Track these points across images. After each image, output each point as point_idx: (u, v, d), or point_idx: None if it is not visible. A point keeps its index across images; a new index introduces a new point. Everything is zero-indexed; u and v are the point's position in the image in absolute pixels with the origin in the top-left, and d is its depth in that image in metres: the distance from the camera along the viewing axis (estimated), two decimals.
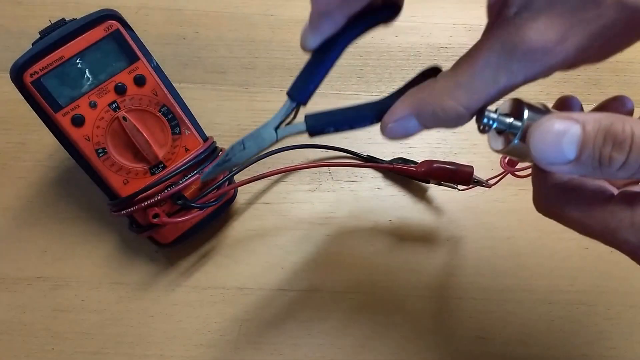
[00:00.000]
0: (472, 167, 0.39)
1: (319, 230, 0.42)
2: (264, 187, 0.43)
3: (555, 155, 0.21)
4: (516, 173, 0.34)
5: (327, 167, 0.43)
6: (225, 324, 0.39)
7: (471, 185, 0.39)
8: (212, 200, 0.38)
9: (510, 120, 0.23)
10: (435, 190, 0.43)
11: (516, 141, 0.22)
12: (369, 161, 0.43)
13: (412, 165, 0.41)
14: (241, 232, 0.42)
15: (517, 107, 0.23)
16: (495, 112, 0.23)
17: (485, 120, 0.23)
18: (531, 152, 0.21)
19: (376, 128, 0.24)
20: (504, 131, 0.23)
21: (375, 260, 0.41)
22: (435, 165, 0.40)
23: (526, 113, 0.22)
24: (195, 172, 0.37)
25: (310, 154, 0.44)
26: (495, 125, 0.23)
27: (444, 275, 0.40)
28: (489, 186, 0.38)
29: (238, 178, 0.40)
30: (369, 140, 0.44)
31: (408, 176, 0.42)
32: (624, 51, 0.23)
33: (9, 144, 0.44)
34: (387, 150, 0.43)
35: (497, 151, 0.24)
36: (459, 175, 0.39)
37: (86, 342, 0.39)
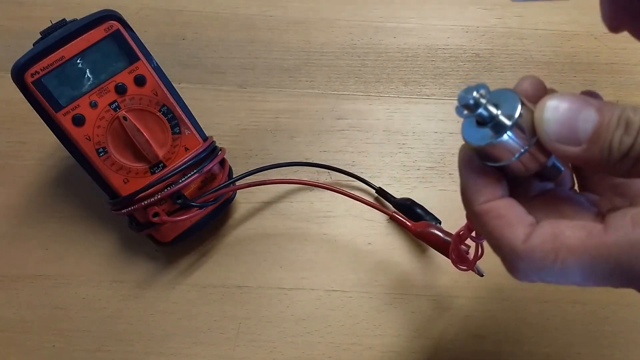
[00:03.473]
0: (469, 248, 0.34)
1: (317, 229, 0.42)
2: (263, 187, 0.43)
3: (568, 135, 0.20)
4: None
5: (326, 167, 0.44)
6: (225, 322, 0.39)
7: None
8: (211, 199, 0.38)
9: (496, 111, 0.21)
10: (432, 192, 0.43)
11: (510, 133, 0.20)
12: (379, 194, 0.42)
13: (410, 221, 0.40)
14: (240, 231, 0.42)
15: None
16: (483, 97, 0.21)
17: (472, 102, 0.21)
18: (542, 130, 0.20)
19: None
20: (486, 122, 0.21)
21: (373, 259, 0.41)
22: (430, 230, 0.38)
23: (519, 107, 0.20)
24: (194, 171, 0.37)
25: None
26: (479, 111, 0.21)
27: (441, 274, 0.41)
28: (481, 275, 0.36)
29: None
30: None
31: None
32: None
33: (9, 143, 0.44)
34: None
35: (479, 146, 0.21)
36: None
37: (87, 340, 0.39)
